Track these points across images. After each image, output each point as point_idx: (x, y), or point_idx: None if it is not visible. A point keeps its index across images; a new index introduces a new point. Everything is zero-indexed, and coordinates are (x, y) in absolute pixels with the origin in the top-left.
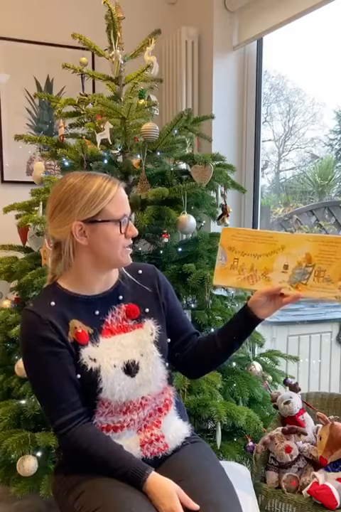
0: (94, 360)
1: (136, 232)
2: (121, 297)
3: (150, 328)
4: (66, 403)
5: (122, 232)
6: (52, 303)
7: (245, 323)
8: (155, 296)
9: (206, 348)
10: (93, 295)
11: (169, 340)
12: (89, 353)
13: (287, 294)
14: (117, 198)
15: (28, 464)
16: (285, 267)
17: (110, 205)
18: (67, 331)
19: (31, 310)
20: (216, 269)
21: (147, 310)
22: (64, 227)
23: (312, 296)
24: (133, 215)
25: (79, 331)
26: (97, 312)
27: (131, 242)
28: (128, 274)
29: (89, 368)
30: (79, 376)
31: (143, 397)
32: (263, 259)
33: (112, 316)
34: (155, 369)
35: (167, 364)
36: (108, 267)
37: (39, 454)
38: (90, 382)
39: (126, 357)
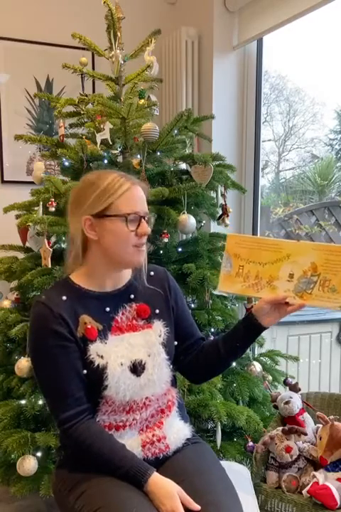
0: (102, 356)
1: (147, 230)
2: (132, 296)
3: (159, 329)
4: (71, 398)
5: (130, 229)
6: (64, 297)
7: (249, 330)
8: (165, 299)
9: (209, 354)
10: (104, 292)
11: (176, 343)
12: (97, 350)
13: (292, 303)
14: (128, 195)
15: (28, 464)
16: (291, 275)
17: (120, 200)
18: (77, 326)
19: (43, 302)
20: (221, 275)
21: (157, 311)
22: (76, 222)
23: (316, 305)
24: (152, 218)
25: (89, 326)
26: (108, 309)
27: (144, 241)
28: (142, 274)
29: (95, 364)
30: (85, 372)
31: (146, 398)
32: (268, 267)
33: (122, 314)
34: (160, 370)
35: (172, 366)
36: (118, 265)
37: (39, 454)
38: (96, 378)
39: (133, 356)
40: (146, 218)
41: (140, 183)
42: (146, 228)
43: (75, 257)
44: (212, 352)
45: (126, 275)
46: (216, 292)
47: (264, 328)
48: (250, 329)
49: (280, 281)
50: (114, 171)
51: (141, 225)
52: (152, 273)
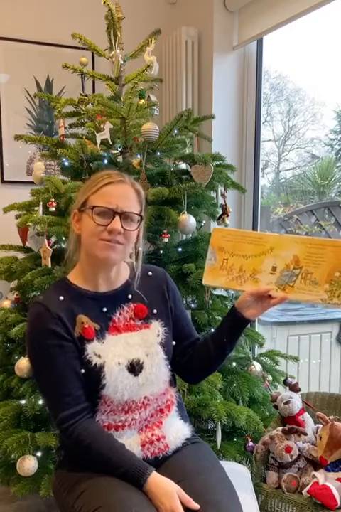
0: (99, 356)
1: (116, 228)
2: (130, 296)
3: (157, 329)
4: (70, 397)
5: (97, 222)
6: (61, 297)
7: (233, 324)
8: (163, 299)
9: (201, 353)
10: (102, 292)
11: (174, 343)
12: (94, 349)
13: (274, 296)
14: (104, 190)
15: (28, 464)
16: (274, 268)
17: (94, 195)
18: (74, 325)
19: (41, 302)
20: (205, 269)
21: (155, 311)
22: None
23: (298, 298)
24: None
25: (86, 326)
26: (105, 309)
27: (116, 238)
28: (138, 272)
29: (93, 363)
30: (83, 371)
31: (145, 397)
32: (251, 260)
33: (120, 314)
34: (159, 370)
35: (170, 366)
36: (92, 259)
37: (39, 454)
38: (93, 377)
39: (131, 356)
40: (124, 216)
41: (134, 183)
42: (117, 225)
43: (71, 254)
44: (203, 351)
45: (123, 275)
46: (213, 288)
47: (248, 321)
48: (234, 323)
49: (263, 274)
50: (112, 171)
51: (113, 221)
52: (150, 273)
